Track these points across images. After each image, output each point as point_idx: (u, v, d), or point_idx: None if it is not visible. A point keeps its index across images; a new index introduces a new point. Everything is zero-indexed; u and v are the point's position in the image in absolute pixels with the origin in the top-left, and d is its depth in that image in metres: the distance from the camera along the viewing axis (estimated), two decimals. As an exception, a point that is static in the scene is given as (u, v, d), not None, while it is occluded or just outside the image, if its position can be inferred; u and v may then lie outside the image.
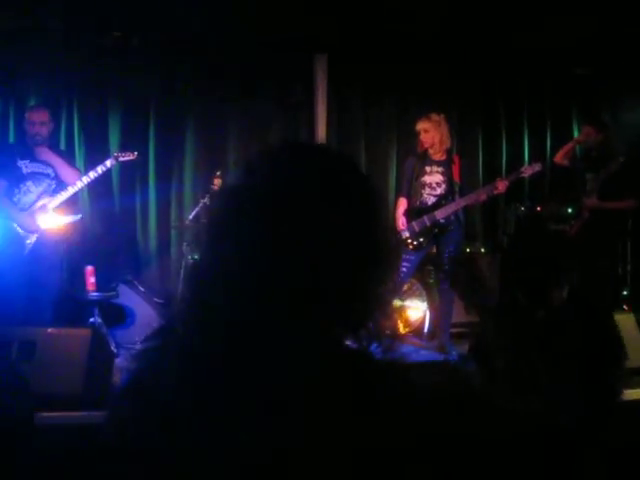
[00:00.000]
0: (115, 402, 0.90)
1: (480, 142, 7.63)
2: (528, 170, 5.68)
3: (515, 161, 7.37)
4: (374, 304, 0.88)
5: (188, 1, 5.52)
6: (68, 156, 5.57)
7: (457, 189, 5.46)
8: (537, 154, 7.57)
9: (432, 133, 5.42)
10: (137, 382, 0.89)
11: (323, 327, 0.82)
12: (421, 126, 5.45)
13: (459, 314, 6.01)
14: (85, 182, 5.15)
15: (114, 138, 6.54)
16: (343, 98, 7.18)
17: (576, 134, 7.27)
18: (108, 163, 5.20)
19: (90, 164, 5.71)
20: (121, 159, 5.30)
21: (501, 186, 5.42)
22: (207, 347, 0.82)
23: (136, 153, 5.45)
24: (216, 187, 5.53)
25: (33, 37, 5.95)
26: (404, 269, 5.40)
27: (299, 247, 0.81)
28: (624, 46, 6.39)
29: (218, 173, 5.63)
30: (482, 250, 6.68)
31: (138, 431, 0.83)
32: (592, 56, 6.86)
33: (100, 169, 5.15)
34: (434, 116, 5.46)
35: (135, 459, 0.82)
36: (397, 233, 5.42)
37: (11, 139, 6.14)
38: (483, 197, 5.54)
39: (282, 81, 6.92)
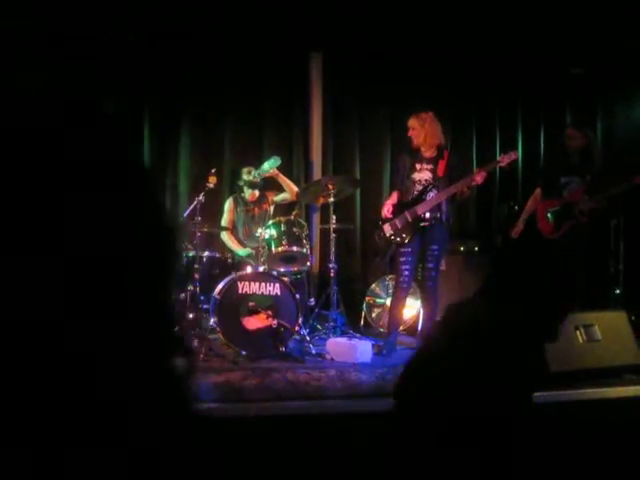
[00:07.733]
0: None
1: (474, 140, 7.63)
2: (505, 159, 5.55)
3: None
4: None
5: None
6: None
7: (438, 184, 5.39)
8: (530, 152, 7.61)
9: (418, 131, 5.41)
10: None
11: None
12: (409, 123, 5.48)
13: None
14: None
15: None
16: (337, 97, 7.18)
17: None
18: None
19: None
20: None
21: (479, 177, 5.33)
22: None
23: None
24: (211, 185, 5.52)
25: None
26: (406, 272, 5.36)
27: None
28: (618, 46, 6.43)
29: (213, 171, 5.60)
30: (476, 249, 6.69)
31: None
32: (587, 56, 6.89)
33: None
34: (422, 114, 5.45)
35: None
36: (380, 229, 5.47)
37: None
38: (462, 189, 5.38)
39: (277, 79, 6.92)
